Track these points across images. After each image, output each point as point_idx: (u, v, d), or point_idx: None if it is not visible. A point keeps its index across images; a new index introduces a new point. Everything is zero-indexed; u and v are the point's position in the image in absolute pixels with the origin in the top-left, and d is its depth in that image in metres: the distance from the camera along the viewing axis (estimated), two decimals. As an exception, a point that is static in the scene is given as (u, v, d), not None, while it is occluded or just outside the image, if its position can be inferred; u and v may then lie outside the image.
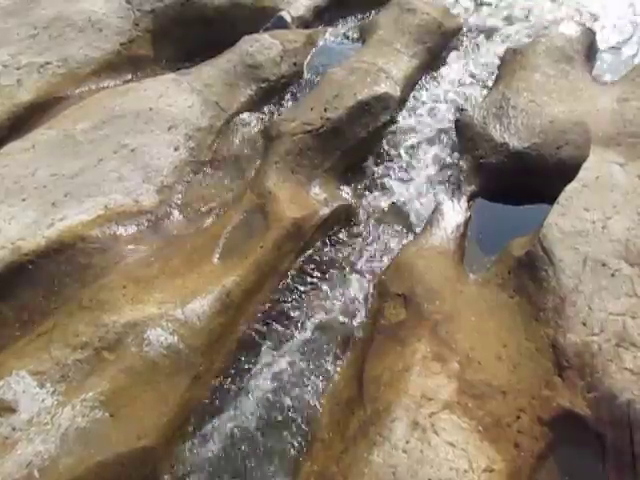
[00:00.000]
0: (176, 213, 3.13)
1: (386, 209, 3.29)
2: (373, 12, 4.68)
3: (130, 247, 2.87)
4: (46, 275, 2.66)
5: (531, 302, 2.50)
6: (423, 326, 2.46)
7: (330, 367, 2.62)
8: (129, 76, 4.00)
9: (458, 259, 2.91)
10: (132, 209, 2.98)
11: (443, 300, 2.56)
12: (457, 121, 3.58)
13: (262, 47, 4.00)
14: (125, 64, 4.01)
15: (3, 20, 4.03)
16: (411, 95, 3.98)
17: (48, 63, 3.76)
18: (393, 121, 3.75)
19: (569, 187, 2.84)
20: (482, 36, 4.52)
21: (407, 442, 2.08)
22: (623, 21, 4.63)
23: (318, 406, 2.49)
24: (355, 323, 2.76)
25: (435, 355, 2.34)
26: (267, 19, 4.40)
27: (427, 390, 2.22)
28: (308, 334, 2.75)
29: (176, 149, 3.32)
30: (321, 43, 4.43)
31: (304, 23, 4.56)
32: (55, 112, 3.52)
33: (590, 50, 4.02)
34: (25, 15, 4.08)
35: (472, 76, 4.17)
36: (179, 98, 3.56)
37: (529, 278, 2.57)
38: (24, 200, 2.87)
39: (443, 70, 4.23)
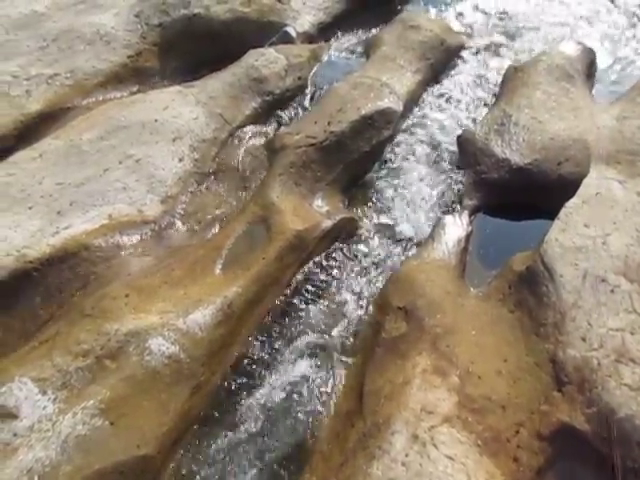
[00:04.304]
0: (179, 223, 3.15)
1: (388, 222, 3.31)
2: (377, 28, 4.73)
3: (133, 257, 2.89)
4: (50, 283, 2.68)
5: (531, 317, 2.51)
6: (424, 340, 2.47)
7: (330, 380, 2.62)
8: (135, 88, 4.05)
9: (459, 273, 2.92)
10: (136, 219, 3.01)
11: (444, 314, 2.57)
12: (459, 137, 3.61)
13: (267, 61, 4.05)
14: (132, 76, 4.06)
15: (13, 32, 4.10)
16: (414, 110, 4.02)
17: (57, 74, 3.82)
18: (396, 135, 3.79)
19: (569, 203, 2.86)
20: (484, 53, 4.57)
21: (406, 455, 2.08)
22: (623, 41, 4.69)
23: (318, 418, 2.49)
24: (356, 336, 2.78)
25: (435, 369, 2.35)
26: (273, 34, 4.46)
27: (427, 404, 2.22)
28: (309, 346, 2.76)
29: (180, 160, 3.35)
30: (325, 58, 4.48)
31: (309, 38, 4.62)
32: (62, 122, 3.57)
33: (590, 69, 4.06)
34: (35, 27, 4.15)
35: (474, 92, 4.21)
36: (184, 110, 3.60)
37: (529, 293, 2.59)
38: (30, 208, 2.91)
39: (445, 86, 4.27)
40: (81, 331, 2.47)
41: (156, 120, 3.48)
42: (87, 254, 2.78)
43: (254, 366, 2.70)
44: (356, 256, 3.16)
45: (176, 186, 3.24)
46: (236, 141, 3.65)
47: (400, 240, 3.22)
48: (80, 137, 3.34)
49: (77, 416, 2.20)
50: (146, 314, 2.54)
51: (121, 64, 4.02)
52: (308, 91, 4.16)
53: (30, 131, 3.52)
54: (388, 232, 3.27)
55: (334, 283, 3.03)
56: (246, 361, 2.71)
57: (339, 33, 4.80)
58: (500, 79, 4.10)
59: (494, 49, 4.62)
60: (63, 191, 3.02)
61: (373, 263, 3.12)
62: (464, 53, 4.57)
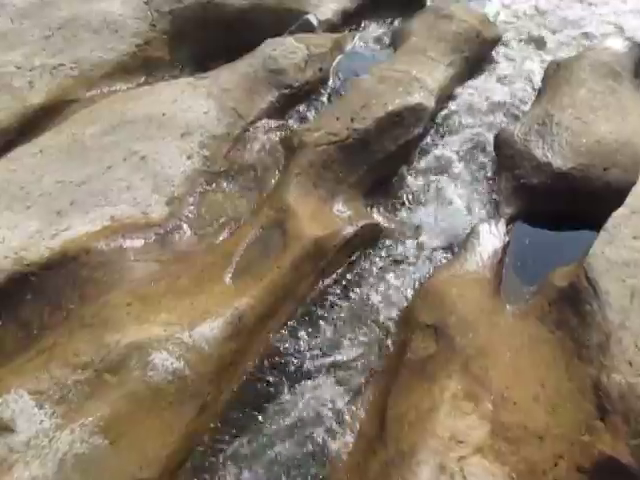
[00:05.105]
0: (186, 227, 3.18)
1: (416, 230, 3.33)
2: (406, 17, 4.76)
3: (136, 262, 2.92)
4: (48, 288, 2.73)
5: (573, 338, 2.51)
6: (454, 361, 2.48)
7: (349, 403, 2.63)
8: (143, 79, 4.13)
9: (494, 288, 2.92)
10: (140, 221, 3.05)
11: (477, 333, 2.58)
12: (496, 137, 3.64)
13: (286, 51, 4.10)
14: (139, 67, 4.14)
15: (18, 21, 4.20)
16: (446, 107, 4.06)
17: (61, 65, 3.90)
18: (426, 134, 3.82)
19: (617, 213, 2.84)
20: (524, 47, 4.60)
21: (433, 487, 2.09)
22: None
23: (336, 445, 2.50)
24: (379, 355, 2.79)
25: (466, 393, 2.36)
26: (292, 22, 4.51)
27: (457, 432, 2.23)
28: (327, 365, 2.77)
29: (189, 158, 3.40)
30: (349, 48, 4.54)
31: (331, 27, 4.67)
32: (65, 116, 3.65)
33: (638, 66, 4.05)
34: (40, 16, 4.24)
35: (512, 89, 4.23)
36: (194, 103, 3.66)
37: (572, 312, 2.58)
38: (29, 208, 2.97)
39: (481, 82, 4.30)
40: (80, 342, 2.50)
41: (164, 114, 3.54)
42: (87, 258, 2.83)
43: (266, 385, 2.72)
44: (380, 267, 3.18)
45: (183, 186, 3.28)
46: (250, 138, 3.69)
47: (429, 250, 3.23)
48: (83, 132, 3.41)
49: (75, 433, 2.23)
50: (149, 325, 2.57)
51: (128, 54, 4.10)
52: (330, 84, 4.21)
53: (32, 125, 3.59)
54: (416, 241, 3.28)
55: (355, 296, 3.05)
56: (257, 380, 2.73)
57: (364, 22, 4.84)
58: (541, 75, 4.11)
59: (534, 43, 4.64)
60: (63, 190, 3.08)
61: (399, 275, 3.13)
62: (501, 46, 4.59)
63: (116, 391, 2.36)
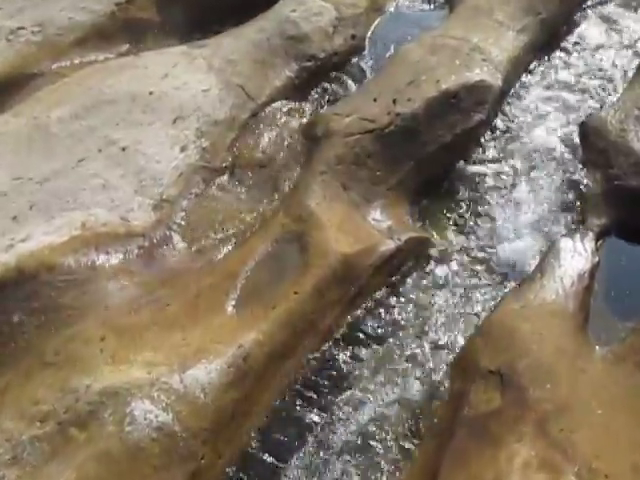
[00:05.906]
0: (178, 239, 3.21)
1: (477, 245, 3.33)
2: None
3: (113, 284, 2.95)
4: (-1, 315, 2.76)
5: (683, 390, 2.49)
6: (526, 419, 2.45)
7: (390, 471, 2.60)
8: (125, 47, 4.19)
9: (580, 324, 2.90)
10: (119, 230, 3.08)
11: (557, 382, 2.55)
12: (583, 125, 3.62)
13: (308, 13, 4.14)
14: (121, 31, 4.20)
15: (-31, -27, 4.30)
16: (517, 85, 4.05)
17: (21, 28, 3.97)
18: (490, 121, 3.81)
19: None
20: (619, 8, 4.56)
21: None
22: None
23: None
24: (427, 410, 2.77)
25: (542, 462, 2.32)
26: (317, -25, 4.55)
27: (530, 512, 2.20)
28: (359, 423, 2.75)
29: (183, 149, 3.43)
30: (391, 9, 4.56)
31: (367, -19, 4.70)
32: (26, 93, 3.70)
33: None
34: (-4, -33, 4.34)
35: (604, 63, 4.22)
36: (190, 79, 3.70)
37: (681, 356, 2.57)
38: (-23, 212, 3.02)
39: (563, 53, 4.28)
40: (39, 386, 2.52)
41: (151, 93, 3.59)
42: (50, 277, 2.85)
43: (277, 447, 2.71)
44: (430, 294, 3.17)
45: (175, 186, 3.31)
46: (262, 124, 3.71)
47: (494, 273, 3.22)
48: (48, 114, 3.45)
49: (31, 504, 2.25)
50: (128, 366, 2.58)
51: (106, 15, 4.16)
52: (365, 55, 4.24)
53: (-16, 105, 3.68)
54: (476, 260, 3.28)
55: (396, 332, 3.04)
56: (267, 440, 2.72)
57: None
58: (642, 45, 4.11)
59: (634, 2, 4.60)
60: (21, 188, 3.12)
61: (453, 305, 3.12)
62: (589, 6, 4.56)
63: (84, 451, 2.37)
